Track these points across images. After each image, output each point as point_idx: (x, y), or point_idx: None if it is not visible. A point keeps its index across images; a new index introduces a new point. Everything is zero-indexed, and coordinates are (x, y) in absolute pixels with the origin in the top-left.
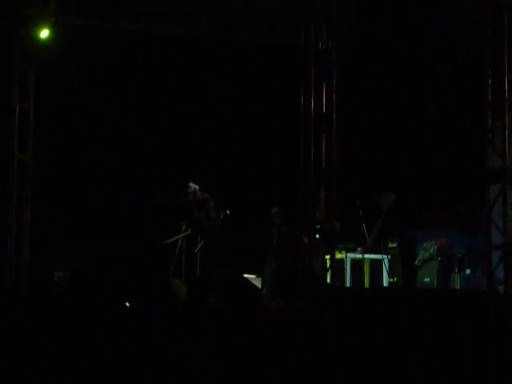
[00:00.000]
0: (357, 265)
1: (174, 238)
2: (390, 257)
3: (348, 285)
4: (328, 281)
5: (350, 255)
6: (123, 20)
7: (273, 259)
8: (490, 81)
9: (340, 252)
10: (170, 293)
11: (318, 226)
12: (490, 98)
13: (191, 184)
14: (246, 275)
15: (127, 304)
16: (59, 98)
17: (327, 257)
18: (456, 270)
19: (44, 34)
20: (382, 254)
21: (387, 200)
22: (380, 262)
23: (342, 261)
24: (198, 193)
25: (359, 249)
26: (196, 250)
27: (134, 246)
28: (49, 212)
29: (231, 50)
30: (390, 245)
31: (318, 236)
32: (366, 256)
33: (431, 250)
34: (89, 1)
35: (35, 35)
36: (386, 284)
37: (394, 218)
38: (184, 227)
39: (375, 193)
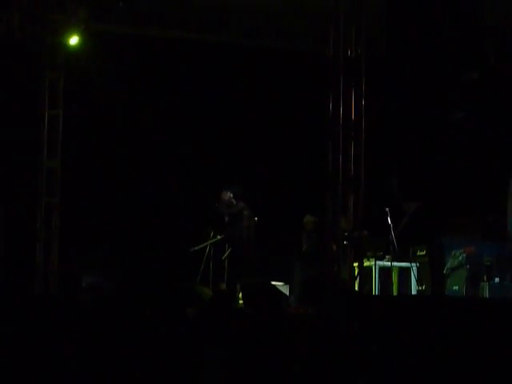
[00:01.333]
0: (385, 273)
1: (203, 245)
2: (418, 265)
3: (376, 293)
4: (356, 288)
5: (379, 263)
6: (153, 27)
7: (301, 266)
8: None
9: (368, 260)
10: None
11: (346, 234)
12: None
13: (225, 191)
14: (273, 282)
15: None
16: (89, 104)
17: (355, 264)
18: (485, 279)
19: (73, 40)
20: (410, 261)
21: (411, 206)
22: (408, 269)
23: (370, 268)
24: (233, 201)
25: (387, 256)
26: (224, 257)
27: (162, 252)
28: (77, 218)
29: (261, 57)
30: (419, 253)
31: (345, 243)
32: (395, 264)
33: (460, 258)
34: (118, 8)
35: (64, 42)
36: (414, 292)
37: (423, 226)
38: (212, 234)
39: (402, 200)
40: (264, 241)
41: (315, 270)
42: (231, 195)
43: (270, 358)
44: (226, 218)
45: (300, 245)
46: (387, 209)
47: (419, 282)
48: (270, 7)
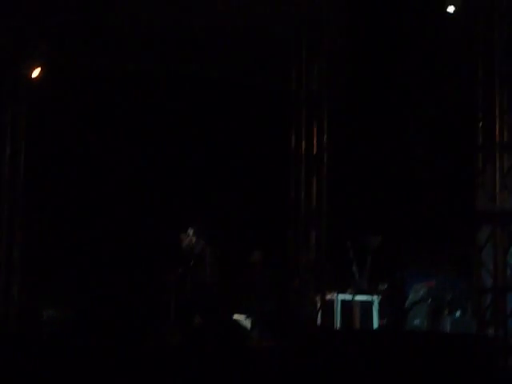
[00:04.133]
0: (347, 306)
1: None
2: (380, 298)
3: (338, 326)
4: (318, 322)
5: (340, 296)
6: (116, 58)
7: (256, 300)
8: (480, 123)
9: (330, 293)
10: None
11: (308, 267)
12: (480, 140)
13: (183, 234)
14: (236, 315)
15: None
16: (52, 137)
17: (317, 298)
18: (446, 313)
19: (35, 73)
20: (372, 295)
21: (374, 241)
22: (370, 303)
23: (332, 302)
24: (194, 239)
25: (349, 290)
26: (187, 294)
27: (128, 283)
28: (38, 251)
29: (222, 89)
30: (381, 286)
31: (308, 276)
32: (357, 297)
33: (421, 292)
34: (80, 40)
35: (27, 74)
36: (376, 326)
37: (384, 260)
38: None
39: (363, 235)
40: (225, 272)
41: (270, 303)
42: (191, 233)
43: None
44: (192, 262)
45: (253, 278)
46: (349, 243)
47: (381, 315)
48: (234, 40)
